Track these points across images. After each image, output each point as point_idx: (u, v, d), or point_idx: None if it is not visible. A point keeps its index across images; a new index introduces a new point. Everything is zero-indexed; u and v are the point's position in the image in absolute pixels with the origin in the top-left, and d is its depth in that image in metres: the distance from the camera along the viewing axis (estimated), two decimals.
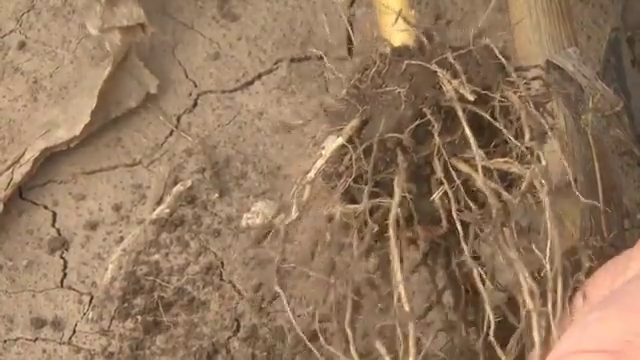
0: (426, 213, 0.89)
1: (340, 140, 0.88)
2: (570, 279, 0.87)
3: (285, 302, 0.89)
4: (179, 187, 1.32)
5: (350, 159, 0.88)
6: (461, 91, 0.86)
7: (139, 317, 1.24)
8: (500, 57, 0.90)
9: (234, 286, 1.26)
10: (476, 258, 0.89)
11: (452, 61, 0.88)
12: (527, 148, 0.87)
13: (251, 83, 1.39)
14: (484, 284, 0.87)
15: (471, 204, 0.87)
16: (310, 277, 0.89)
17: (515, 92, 0.88)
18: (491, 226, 0.86)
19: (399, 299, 0.85)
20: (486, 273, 0.87)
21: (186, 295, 1.25)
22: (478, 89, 0.87)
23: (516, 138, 0.87)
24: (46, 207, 1.33)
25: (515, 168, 0.87)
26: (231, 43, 1.42)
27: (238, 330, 1.23)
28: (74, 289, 1.28)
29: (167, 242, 1.29)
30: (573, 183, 0.89)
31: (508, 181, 0.89)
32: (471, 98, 0.86)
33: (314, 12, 1.42)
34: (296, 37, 1.41)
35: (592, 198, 0.95)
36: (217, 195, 1.31)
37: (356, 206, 0.87)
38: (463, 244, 0.86)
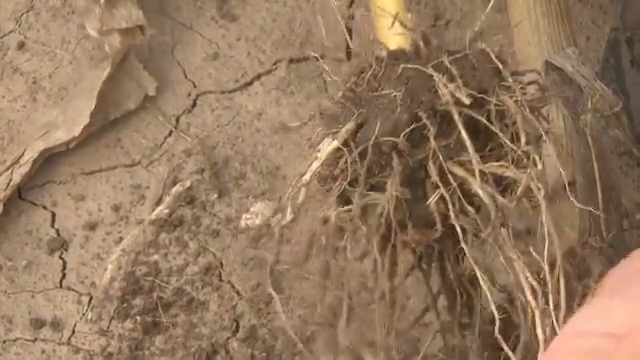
0: (420, 217, 0.89)
1: (335, 143, 0.89)
2: (572, 281, 0.87)
3: (278, 303, 0.89)
4: (178, 187, 1.32)
5: (345, 162, 0.88)
6: (457, 95, 0.86)
7: (138, 317, 1.24)
8: (496, 61, 0.90)
9: (233, 286, 1.26)
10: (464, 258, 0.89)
11: (448, 65, 0.88)
12: (523, 152, 0.87)
13: (250, 84, 1.39)
14: (480, 286, 0.87)
15: (468, 208, 0.87)
16: (306, 279, 0.89)
17: (511, 96, 0.88)
18: (490, 227, 0.86)
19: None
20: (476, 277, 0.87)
21: (185, 295, 1.25)
22: (474, 93, 0.87)
23: (512, 142, 0.87)
24: (45, 207, 1.33)
25: (510, 172, 0.87)
26: (230, 43, 1.42)
27: (237, 330, 1.23)
28: (73, 289, 1.28)
29: (166, 242, 1.29)
30: (567, 186, 0.89)
31: (503, 186, 0.89)
32: (467, 102, 0.86)
33: (313, 13, 1.42)
34: (295, 38, 1.41)
35: (591, 198, 0.95)
36: (216, 195, 1.31)
37: (349, 207, 0.87)
38: (463, 245, 0.86)
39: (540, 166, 0.86)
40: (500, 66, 0.90)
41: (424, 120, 0.87)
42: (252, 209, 1.30)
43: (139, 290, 1.26)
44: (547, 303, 0.85)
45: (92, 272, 1.28)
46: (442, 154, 0.86)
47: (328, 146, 0.89)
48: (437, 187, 0.87)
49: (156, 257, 1.28)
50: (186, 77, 1.40)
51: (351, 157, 0.87)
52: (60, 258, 1.29)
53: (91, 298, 1.27)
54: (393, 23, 0.92)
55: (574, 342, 0.73)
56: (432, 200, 0.86)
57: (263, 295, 1.23)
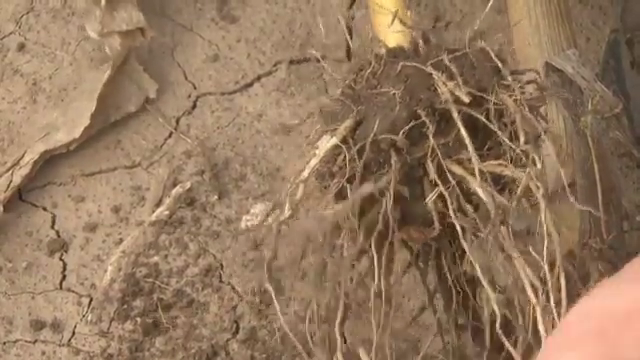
0: (418, 215, 0.89)
1: (334, 140, 0.88)
2: (573, 279, 0.87)
3: (275, 299, 0.89)
4: (178, 189, 1.31)
5: (344, 159, 0.88)
6: (457, 93, 0.86)
7: (138, 319, 1.24)
8: (496, 60, 0.90)
9: (233, 288, 1.26)
10: (462, 257, 0.89)
11: (448, 63, 0.88)
12: (522, 151, 0.87)
13: (250, 85, 1.39)
14: (478, 286, 0.87)
15: (467, 206, 0.87)
16: (302, 277, 0.89)
17: (510, 95, 0.88)
18: (490, 225, 0.85)
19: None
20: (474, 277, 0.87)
21: (185, 297, 1.25)
22: (473, 91, 0.87)
23: (510, 141, 0.87)
24: (45, 209, 1.32)
25: (509, 171, 0.87)
26: (230, 45, 1.42)
27: (237, 332, 1.23)
28: (73, 291, 1.28)
29: (166, 244, 1.29)
30: (567, 187, 0.89)
31: (501, 185, 0.89)
32: (466, 100, 0.86)
33: (313, 14, 1.42)
34: (295, 39, 1.41)
35: (591, 200, 0.95)
36: (216, 197, 1.31)
37: (344, 202, 0.87)
38: (463, 243, 0.86)
39: (539, 165, 0.86)
40: (500, 65, 0.90)
41: (423, 118, 0.87)
42: (252, 210, 1.30)
43: (139, 291, 1.25)
44: (548, 301, 0.84)
45: (92, 273, 1.28)
46: (440, 152, 0.86)
47: (326, 143, 0.89)
48: (435, 185, 0.86)
49: (156, 258, 1.28)
50: (186, 79, 1.40)
51: (349, 154, 0.87)
52: (60, 259, 1.29)
53: (91, 299, 1.26)
54: (392, 21, 0.92)
55: (586, 321, 0.72)
56: (430, 198, 0.86)
57: (263, 296, 1.23)
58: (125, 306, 1.25)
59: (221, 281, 1.27)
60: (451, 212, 0.86)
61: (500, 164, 0.87)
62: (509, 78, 0.89)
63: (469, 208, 0.87)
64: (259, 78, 1.40)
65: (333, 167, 0.89)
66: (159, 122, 1.37)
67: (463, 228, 0.86)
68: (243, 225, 1.29)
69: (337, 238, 0.88)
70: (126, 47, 1.36)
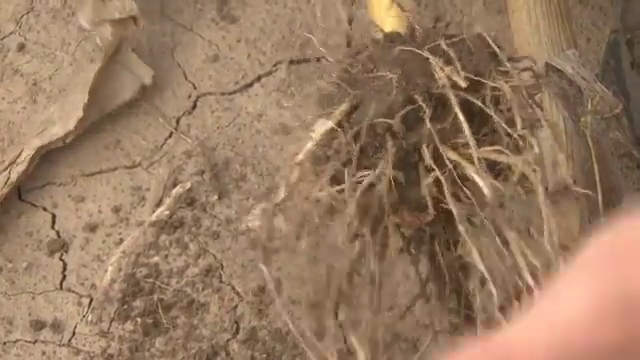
0: (413, 200, 0.88)
1: (330, 123, 0.88)
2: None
3: (270, 280, 0.88)
4: (178, 189, 1.31)
5: (339, 143, 0.87)
6: (454, 78, 0.86)
7: (138, 319, 1.24)
8: (493, 45, 0.90)
9: (233, 288, 1.26)
10: (455, 243, 0.89)
11: (445, 48, 0.88)
12: (519, 136, 0.87)
13: (250, 85, 1.39)
14: (472, 272, 0.86)
15: (464, 190, 0.86)
16: (296, 260, 0.88)
17: (507, 81, 0.88)
18: (488, 209, 0.85)
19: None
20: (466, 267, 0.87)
21: (185, 297, 1.25)
22: (470, 76, 0.87)
23: (507, 128, 0.87)
24: (45, 209, 1.32)
25: (505, 157, 0.86)
26: (230, 45, 1.42)
27: (237, 332, 1.23)
28: (73, 291, 1.28)
29: (166, 244, 1.29)
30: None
31: (496, 171, 0.88)
32: (464, 85, 0.86)
33: (313, 14, 1.42)
34: (295, 39, 1.41)
35: (591, 200, 0.95)
36: (216, 197, 1.31)
37: (342, 187, 0.87)
38: (460, 227, 0.86)
39: (537, 150, 0.86)
40: (497, 50, 0.89)
41: (419, 103, 0.86)
42: (254, 211, 1.30)
43: (139, 292, 1.25)
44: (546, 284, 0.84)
45: (92, 274, 1.28)
46: (436, 137, 0.86)
47: (322, 126, 0.88)
48: (431, 170, 0.86)
49: (156, 259, 1.28)
50: (186, 79, 1.40)
51: (345, 138, 0.87)
52: (60, 260, 1.29)
53: (91, 300, 1.27)
54: (390, 5, 0.92)
55: None
56: (426, 183, 0.86)
57: (264, 296, 1.23)
58: (125, 306, 1.25)
59: (221, 281, 1.27)
60: (447, 197, 0.86)
61: (496, 150, 0.87)
62: (506, 64, 0.89)
63: (466, 192, 0.86)
64: (259, 78, 1.40)
65: (329, 151, 0.89)
66: (159, 122, 1.37)
67: (459, 213, 0.86)
68: (244, 225, 1.29)
69: (331, 221, 0.87)
70: (118, 36, 1.35)
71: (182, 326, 1.23)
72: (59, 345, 1.25)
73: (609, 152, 1.05)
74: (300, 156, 0.89)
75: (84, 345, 1.24)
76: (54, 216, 1.32)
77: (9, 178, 1.31)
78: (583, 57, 1.09)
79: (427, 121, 0.86)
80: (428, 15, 1.41)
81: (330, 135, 0.89)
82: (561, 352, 0.42)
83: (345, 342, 0.93)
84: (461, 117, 0.86)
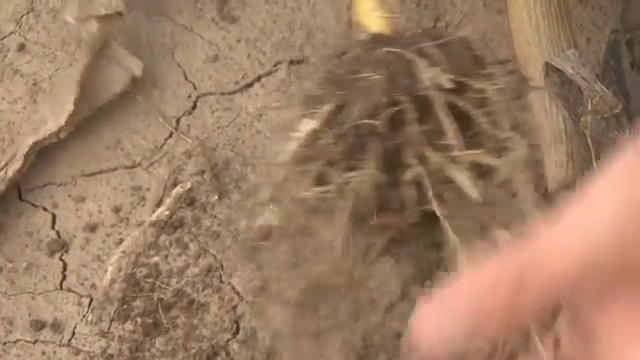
0: (396, 201, 0.88)
1: (313, 123, 0.88)
2: None
3: (254, 273, 0.88)
4: (178, 189, 1.32)
5: (323, 144, 0.87)
6: (439, 79, 0.86)
7: (138, 319, 1.24)
8: (477, 48, 0.90)
9: (233, 288, 1.26)
10: (439, 245, 0.89)
11: (430, 50, 0.88)
12: (504, 139, 0.87)
13: (250, 85, 1.39)
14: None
15: (449, 192, 0.86)
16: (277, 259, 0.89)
17: (492, 84, 0.88)
18: (472, 210, 0.85)
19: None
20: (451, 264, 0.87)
21: (185, 297, 1.25)
22: (455, 77, 0.87)
23: (492, 130, 0.87)
24: (45, 209, 1.33)
25: (489, 159, 0.86)
26: (230, 45, 1.42)
27: (237, 332, 1.23)
28: (73, 291, 1.28)
29: (166, 244, 1.29)
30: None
31: (481, 173, 0.88)
32: (448, 86, 0.86)
33: (313, 14, 1.42)
34: (295, 39, 1.41)
35: None
36: (216, 197, 1.31)
37: (326, 188, 0.87)
38: (446, 225, 0.86)
39: (522, 152, 0.86)
40: (482, 53, 0.89)
41: (404, 104, 0.86)
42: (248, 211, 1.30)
43: (139, 292, 1.26)
44: None
45: (92, 274, 1.28)
46: (420, 139, 0.86)
47: (306, 126, 0.88)
48: (414, 171, 0.86)
49: (156, 259, 1.28)
50: (186, 79, 1.40)
51: (329, 139, 0.87)
52: (60, 260, 1.29)
53: (91, 300, 1.27)
54: (375, 5, 0.92)
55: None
56: (409, 184, 0.86)
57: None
58: (125, 306, 1.25)
59: (221, 281, 1.27)
60: (431, 198, 0.86)
61: (481, 153, 0.87)
62: (492, 66, 0.89)
63: (449, 194, 0.87)
64: (259, 78, 1.40)
65: (312, 151, 0.89)
66: (159, 122, 1.37)
67: (442, 214, 0.86)
68: (243, 225, 1.29)
69: (314, 222, 0.88)
70: (103, 32, 1.35)
71: (182, 326, 1.23)
72: (59, 345, 1.25)
73: (609, 152, 1.05)
74: (283, 156, 0.89)
75: (84, 345, 1.24)
76: (54, 216, 1.32)
77: (5, 177, 1.31)
78: (583, 57, 1.09)
79: (412, 122, 0.86)
80: (428, 15, 1.41)
81: (314, 135, 0.89)
82: (593, 256, 0.43)
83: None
84: (446, 118, 0.86)
